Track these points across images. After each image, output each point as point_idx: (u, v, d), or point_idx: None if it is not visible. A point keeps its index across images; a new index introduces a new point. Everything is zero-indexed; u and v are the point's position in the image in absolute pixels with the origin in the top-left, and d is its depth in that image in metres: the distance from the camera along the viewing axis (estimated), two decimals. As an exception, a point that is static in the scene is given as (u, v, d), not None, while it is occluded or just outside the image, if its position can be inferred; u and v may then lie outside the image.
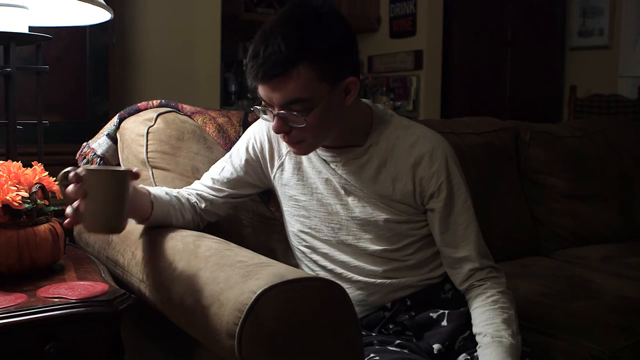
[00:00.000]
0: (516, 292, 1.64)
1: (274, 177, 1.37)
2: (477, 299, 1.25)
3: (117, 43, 2.57)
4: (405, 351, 1.19)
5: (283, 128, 1.17)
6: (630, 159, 2.40)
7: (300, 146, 1.22)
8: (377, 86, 4.10)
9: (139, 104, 1.61)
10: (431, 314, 1.28)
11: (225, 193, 1.36)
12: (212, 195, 1.36)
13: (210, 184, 1.37)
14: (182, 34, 2.92)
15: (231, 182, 1.37)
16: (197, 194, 1.35)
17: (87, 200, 1.06)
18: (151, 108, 1.60)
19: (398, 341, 1.22)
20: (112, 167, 1.10)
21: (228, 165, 1.38)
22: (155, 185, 1.46)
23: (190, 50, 2.94)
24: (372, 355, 1.15)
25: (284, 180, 1.36)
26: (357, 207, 1.29)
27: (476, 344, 1.20)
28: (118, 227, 1.09)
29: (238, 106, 3.58)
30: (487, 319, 1.20)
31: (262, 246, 1.45)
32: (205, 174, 1.41)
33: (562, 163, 2.22)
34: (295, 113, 1.15)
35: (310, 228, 1.33)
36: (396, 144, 1.28)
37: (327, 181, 1.31)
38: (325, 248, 1.32)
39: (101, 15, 1.54)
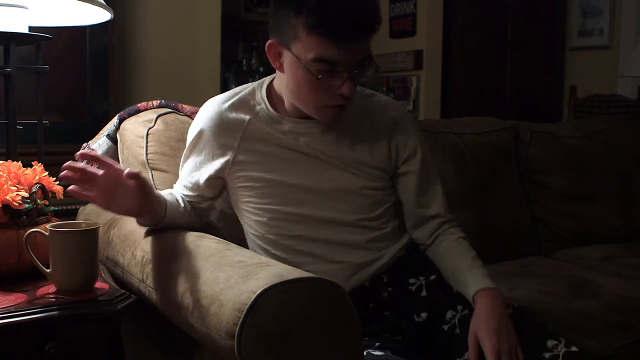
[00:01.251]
0: (516, 291, 1.65)
1: (228, 173, 1.28)
2: (443, 243, 1.33)
3: (117, 43, 2.57)
4: (389, 352, 1.17)
5: (355, 87, 1.17)
6: (630, 159, 2.40)
7: (345, 107, 1.22)
8: (377, 86, 4.10)
9: (139, 105, 1.61)
10: (410, 287, 1.29)
11: (201, 198, 1.32)
12: (194, 202, 1.33)
13: (186, 192, 1.32)
14: (182, 34, 2.92)
15: (198, 189, 1.31)
16: (183, 200, 1.33)
17: (53, 260, 1.07)
18: (151, 109, 1.60)
19: (378, 343, 1.19)
20: (81, 224, 1.11)
21: (190, 178, 1.32)
22: (155, 187, 1.47)
23: (190, 50, 2.94)
24: None
25: (243, 172, 1.27)
26: (334, 178, 1.26)
27: (456, 299, 1.25)
28: (85, 286, 1.09)
29: (238, 106, 3.58)
30: (458, 254, 1.30)
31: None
32: (179, 180, 1.35)
33: (562, 163, 2.22)
34: (367, 68, 1.16)
35: (283, 213, 1.26)
36: (366, 111, 1.30)
37: (297, 158, 1.25)
38: (301, 230, 1.26)
39: (101, 15, 1.54)
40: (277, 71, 1.26)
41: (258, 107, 1.28)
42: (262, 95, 1.28)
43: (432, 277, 1.30)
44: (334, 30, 1.10)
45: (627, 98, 3.70)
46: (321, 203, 1.26)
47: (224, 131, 1.27)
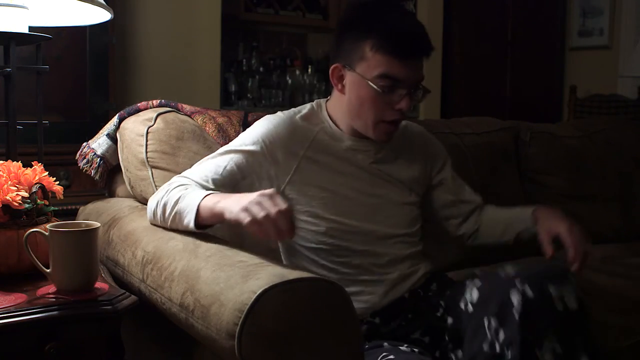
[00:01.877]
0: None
1: (287, 182, 1.31)
2: (485, 215, 1.50)
3: (117, 43, 2.57)
4: (416, 350, 1.21)
5: (411, 105, 1.29)
6: (630, 159, 2.40)
7: (398, 124, 1.34)
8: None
9: (138, 104, 1.61)
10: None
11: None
12: None
13: (210, 185, 1.27)
14: (182, 34, 2.92)
15: (223, 185, 1.28)
16: None
17: (53, 260, 1.08)
18: (151, 108, 1.60)
19: (406, 344, 1.24)
20: (81, 224, 1.12)
21: (223, 173, 1.29)
22: (155, 186, 1.47)
23: (190, 50, 2.94)
24: (385, 354, 1.17)
25: (307, 179, 1.32)
26: (386, 193, 1.37)
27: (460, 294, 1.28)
28: (85, 286, 1.09)
29: (238, 106, 3.57)
30: (502, 210, 1.49)
31: (262, 246, 1.45)
32: (202, 172, 1.29)
33: (562, 163, 2.22)
34: (419, 91, 1.30)
35: (341, 223, 1.31)
36: (405, 132, 1.45)
37: (355, 172, 1.35)
38: (355, 241, 1.32)
39: (101, 15, 1.54)
40: (334, 94, 1.37)
41: (322, 125, 1.38)
42: (323, 114, 1.39)
43: (448, 292, 1.35)
44: (400, 48, 1.25)
45: (627, 98, 3.70)
46: (374, 216, 1.35)
47: (294, 138, 1.33)
